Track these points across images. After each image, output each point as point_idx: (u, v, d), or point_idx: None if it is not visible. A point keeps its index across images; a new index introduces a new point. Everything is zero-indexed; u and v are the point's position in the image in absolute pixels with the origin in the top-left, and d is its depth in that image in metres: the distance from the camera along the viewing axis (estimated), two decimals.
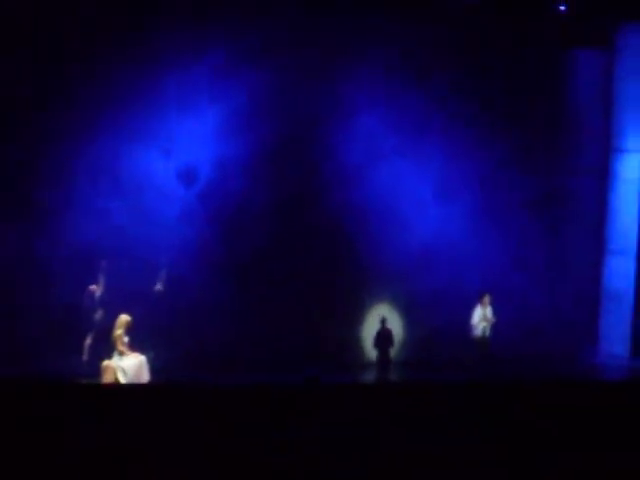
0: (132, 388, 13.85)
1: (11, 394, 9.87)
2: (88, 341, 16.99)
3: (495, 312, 17.93)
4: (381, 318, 18.77)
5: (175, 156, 19.09)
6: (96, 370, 15.20)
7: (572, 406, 10.01)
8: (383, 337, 18.50)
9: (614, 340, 19.73)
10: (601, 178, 20.33)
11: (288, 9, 18.72)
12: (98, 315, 17.27)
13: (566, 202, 20.25)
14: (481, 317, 17.84)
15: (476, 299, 17.89)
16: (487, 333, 17.87)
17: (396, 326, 19.14)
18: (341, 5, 18.84)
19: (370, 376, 18.59)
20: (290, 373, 15.79)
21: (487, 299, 17.87)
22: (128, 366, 15.00)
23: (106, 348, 15.39)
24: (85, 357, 16.84)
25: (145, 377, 15.26)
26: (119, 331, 15.20)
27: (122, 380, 14.83)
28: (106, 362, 15.10)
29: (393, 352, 18.56)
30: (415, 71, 19.32)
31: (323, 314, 19.03)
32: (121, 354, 15.11)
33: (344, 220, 19.29)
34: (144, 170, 18.85)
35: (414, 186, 19.77)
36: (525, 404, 10.20)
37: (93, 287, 17.51)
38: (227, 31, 18.64)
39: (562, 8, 19.53)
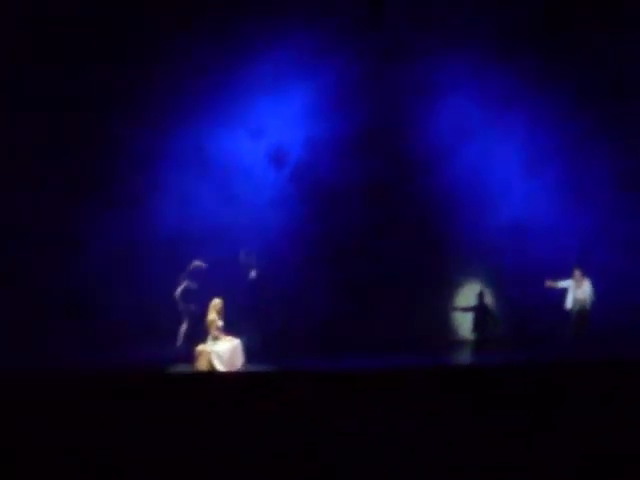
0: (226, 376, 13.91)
1: (108, 382, 10.01)
2: (183, 326, 17.06)
3: (594, 286, 17.26)
4: (479, 292, 18.59)
5: (265, 138, 19.09)
6: (191, 355, 15.31)
7: None
8: (482, 313, 18.32)
9: None
10: None
11: None
12: (192, 300, 17.28)
13: None
14: (575, 292, 17.19)
15: (569, 273, 17.36)
16: (587, 308, 17.17)
17: (490, 304, 18.87)
18: None
19: (465, 356, 18.36)
20: (385, 356, 15.78)
21: (578, 273, 17.21)
22: (223, 350, 15.08)
23: (200, 333, 15.51)
24: (180, 342, 16.92)
25: (240, 361, 15.35)
26: (212, 315, 15.28)
27: (217, 364, 14.89)
28: (200, 347, 15.22)
29: (492, 328, 18.36)
30: (497, 47, 18.93)
31: (416, 294, 18.90)
32: (215, 338, 15.19)
33: (433, 200, 19.20)
34: (233, 153, 18.90)
35: (502, 162, 19.50)
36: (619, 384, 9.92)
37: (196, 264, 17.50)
38: (308, 16, 18.52)
39: None
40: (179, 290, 17.11)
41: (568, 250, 18.92)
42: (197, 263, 17.35)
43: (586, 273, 17.28)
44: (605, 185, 19.38)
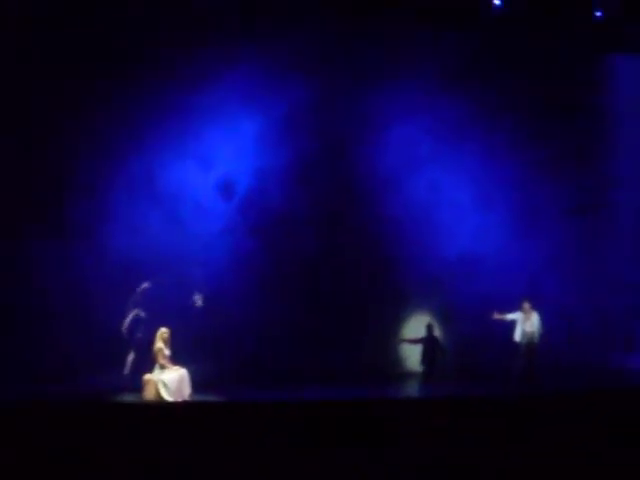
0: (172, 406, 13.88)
1: (58, 412, 9.96)
2: (130, 355, 17.00)
3: (541, 319, 17.42)
4: (427, 324, 18.73)
5: (214, 169, 19.12)
6: (138, 384, 15.22)
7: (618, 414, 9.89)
8: (430, 345, 18.46)
9: None
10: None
11: (319, 23, 18.77)
12: (139, 330, 17.29)
13: (604, 211, 20.03)
14: (524, 325, 17.28)
15: (518, 306, 17.54)
16: (535, 341, 17.31)
17: (438, 336, 19.03)
18: (373, 17, 18.86)
19: (413, 388, 18.48)
20: (335, 387, 15.85)
21: (527, 306, 17.33)
22: (169, 379, 14.98)
23: (148, 362, 15.46)
24: (127, 371, 16.85)
25: (187, 390, 15.24)
26: (159, 344, 15.22)
27: (164, 394, 14.79)
28: (147, 376, 15.12)
29: (440, 360, 18.51)
30: (449, 80, 19.27)
31: (365, 325, 19.02)
32: (162, 367, 15.13)
33: (384, 230, 19.36)
34: (183, 183, 18.91)
35: (452, 194, 19.74)
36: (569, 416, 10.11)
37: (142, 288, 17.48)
38: (260, 46, 18.67)
39: (598, 14, 19.40)
40: (127, 319, 17.08)
41: (517, 282, 19.20)
42: (144, 285, 17.38)
43: (534, 306, 17.45)
44: (555, 217, 19.75)
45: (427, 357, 18.48)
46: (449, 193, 19.84)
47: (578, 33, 19.72)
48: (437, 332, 18.91)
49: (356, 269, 19.30)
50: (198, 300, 18.13)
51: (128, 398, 15.18)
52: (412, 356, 19.01)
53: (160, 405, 13.89)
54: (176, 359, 15.47)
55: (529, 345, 17.29)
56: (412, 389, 18.41)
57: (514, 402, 11.67)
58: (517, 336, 17.36)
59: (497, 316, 17.26)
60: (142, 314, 17.18)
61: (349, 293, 19.13)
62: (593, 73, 20.28)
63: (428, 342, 18.56)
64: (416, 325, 19.26)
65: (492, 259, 19.58)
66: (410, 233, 19.48)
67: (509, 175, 19.79)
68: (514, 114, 19.62)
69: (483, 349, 18.52)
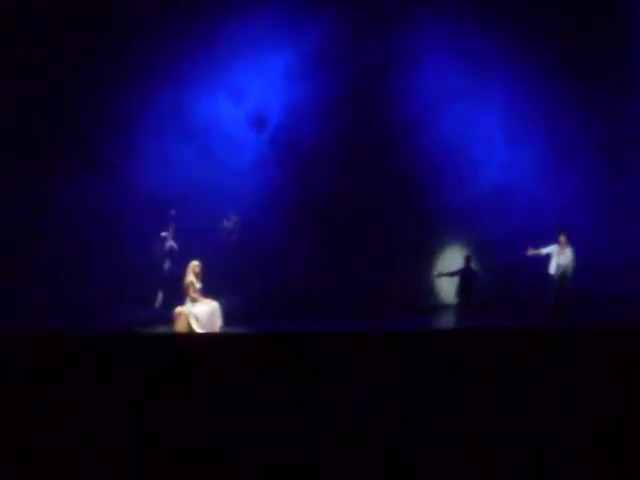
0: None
1: (89, 344, 10.01)
2: (161, 289, 17.10)
3: (575, 253, 17.31)
4: (466, 256, 18.71)
5: (245, 102, 19.03)
6: (169, 317, 15.32)
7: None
8: (468, 276, 18.43)
9: None
10: None
11: None
12: (170, 262, 17.36)
13: (635, 145, 19.70)
14: (558, 258, 17.19)
15: (551, 238, 17.37)
16: (568, 275, 17.20)
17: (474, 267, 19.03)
18: None
19: (449, 320, 18.50)
20: (363, 320, 15.87)
21: (563, 239, 17.18)
22: (201, 312, 15.04)
23: (179, 295, 15.55)
24: (158, 304, 16.95)
25: (218, 323, 15.30)
26: (190, 277, 15.25)
27: (195, 326, 14.88)
28: (179, 309, 15.18)
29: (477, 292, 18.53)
30: (480, 14, 18.94)
31: (396, 258, 18.99)
32: (193, 301, 15.17)
33: (415, 164, 19.26)
34: (213, 117, 18.85)
35: (482, 128, 19.55)
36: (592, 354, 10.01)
37: (164, 234, 17.53)
38: None
39: None
40: (160, 249, 17.23)
41: (549, 216, 19.07)
42: (172, 213, 17.47)
43: (571, 240, 17.35)
44: (588, 150, 19.49)
45: (464, 289, 18.47)
46: (480, 127, 19.65)
47: None
48: (474, 264, 18.85)
49: (387, 204, 19.23)
50: (230, 232, 18.16)
51: (160, 330, 15.28)
52: (447, 289, 19.01)
53: (193, 336, 13.95)
54: (207, 292, 15.53)
55: (562, 278, 17.17)
56: (449, 320, 18.43)
57: (548, 334, 11.59)
58: (552, 269, 17.24)
59: (532, 252, 17.14)
60: (174, 245, 17.25)
61: (380, 228, 19.08)
62: (628, 4, 19.81)
63: (465, 274, 18.56)
64: (450, 258, 19.23)
65: (524, 192, 19.42)
66: (441, 167, 19.36)
67: (540, 109, 19.53)
68: (545, 47, 19.24)
69: (517, 281, 18.42)
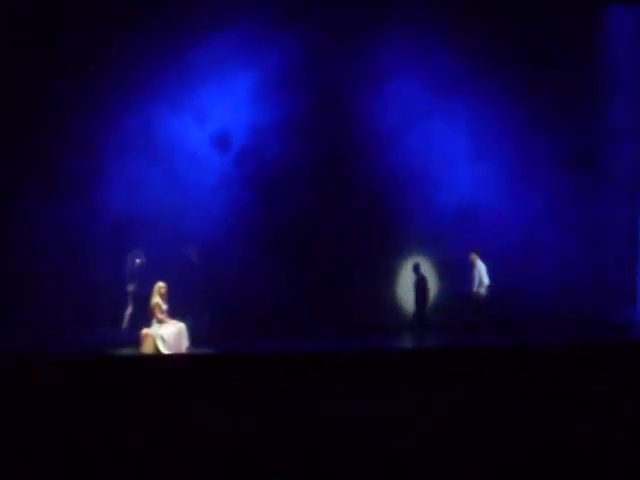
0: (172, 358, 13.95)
1: (58, 366, 10.02)
2: (128, 310, 17.10)
3: (488, 271, 17.85)
4: (414, 264, 18.86)
5: (210, 124, 19.10)
6: (136, 339, 15.26)
7: (606, 368, 9.96)
8: (420, 286, 18.56)
9: None
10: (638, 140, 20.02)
11: None
12: (136, 284, 17.37)
13: (602, 163, 19.94)
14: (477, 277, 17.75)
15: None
16: (482, 293, 17.76)
17: (433, 289, 19.12)
18: None
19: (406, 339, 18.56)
20: (329, 338, 15.94)
21: (473, 257, 17.80)
22: (167, 334, 15.01)
23: (145, 316, 15.51)
24: (125, 326, 16.93)
25: (185, 344, 15.29)
26: (156, 299, 15.24)
27: (162, 348, 14.83)
28: (145, 330, 15.15)
29: (429, 306, 18.62)
30: (445, 32, 19.11)
31: (358, 279, 19.05)
32: (160, 322, 15.15)
33: (380, 183, 19.29)
34: (179, 138, 18.90)
35: (448, 147, 19.69)
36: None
37: (130, 255, 17.55)
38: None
39: None
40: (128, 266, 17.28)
41: (514, 234, 19.24)
42: (137, 261, 17.53)
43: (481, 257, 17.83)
44: (553, 169, 19.69)
45: (418, 297, 18.60)
46: (446, 146, 19.77)
47: None
48: (425, 271, 19.05)
49: (353, 224, 19.27)
50: (194, 254, 18.19)
51: (126, 352, 15.24)
52: (410, 306, 19.12)
53: (158, 358, 13.96)
54: (173, 313, 15.52)
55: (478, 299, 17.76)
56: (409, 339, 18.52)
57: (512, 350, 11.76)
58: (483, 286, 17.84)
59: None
60: (140, 266, 17.31)
61: (346, 248, 19.12)
62: (591, 25, 20.07)
63: (418, 283, 18.69)
64: (411, 276, 19.31)
65: (490, 211, 19.54)
66: (407, 186, 19.44)
67: (506, 127, 19.70)
68: (511, 66, 19.43)
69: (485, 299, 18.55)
